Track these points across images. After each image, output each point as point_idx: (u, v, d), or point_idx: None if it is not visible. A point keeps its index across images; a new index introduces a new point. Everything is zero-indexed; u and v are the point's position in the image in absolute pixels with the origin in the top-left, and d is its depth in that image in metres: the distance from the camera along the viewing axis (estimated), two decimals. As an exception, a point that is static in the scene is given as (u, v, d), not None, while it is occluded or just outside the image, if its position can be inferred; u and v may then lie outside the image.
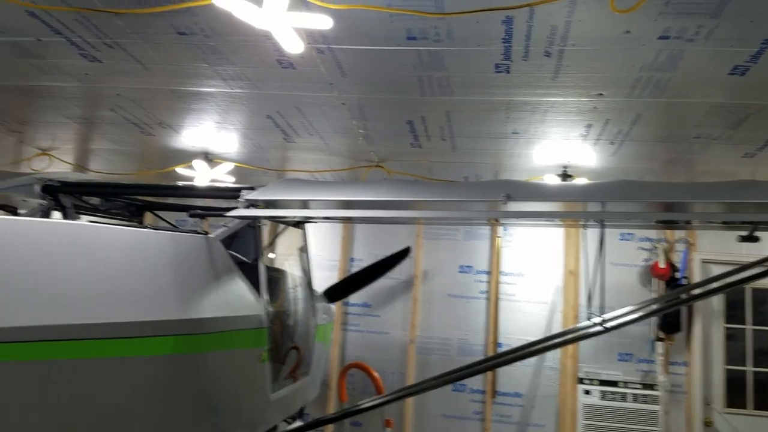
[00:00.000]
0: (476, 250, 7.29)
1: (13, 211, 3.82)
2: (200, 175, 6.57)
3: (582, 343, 6.47)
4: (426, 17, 3.39)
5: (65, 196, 3.80)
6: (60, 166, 7.15)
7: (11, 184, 3.84)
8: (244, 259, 3.80)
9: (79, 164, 7.44)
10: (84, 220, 3.94)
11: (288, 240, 4.64)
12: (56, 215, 3.79)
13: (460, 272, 7.26)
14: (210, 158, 6.57)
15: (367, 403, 3.85)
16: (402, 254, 6.41)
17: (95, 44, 4.05)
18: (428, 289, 7.27)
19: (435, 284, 7.28)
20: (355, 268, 7.24)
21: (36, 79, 4.84)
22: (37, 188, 3.70)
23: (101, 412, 2.41)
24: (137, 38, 3.93)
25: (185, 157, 6.59)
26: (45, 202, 3.69)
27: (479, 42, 3.66)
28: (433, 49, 3.77)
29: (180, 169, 6.76)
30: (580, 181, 5.99)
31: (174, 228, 4.03)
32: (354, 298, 6.91)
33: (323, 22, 3.16)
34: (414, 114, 4.99)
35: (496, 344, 6.97)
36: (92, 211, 4.13)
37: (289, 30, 3.18)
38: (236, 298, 3.30)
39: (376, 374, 6.51)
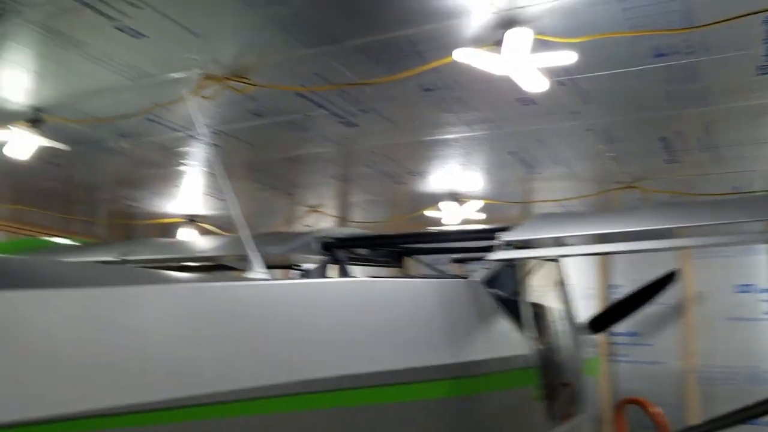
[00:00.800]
0: (755, 265, 6.49)
1: (302, 270, 4.29)
2: (447, 216, 6.83)
3: None
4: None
5: (339, 251, 4.18)
6: (326, 220, 7.92)
7: (294, 245, 4.32)
8: (504, 295, 3.83)
9: (341, 216, 8.19)
10: (356, 270, 4.29)
11: (546, 273, 4.59)
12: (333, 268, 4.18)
13: (739, 292, 6.52)
14: (457, 198, 6.81)
15: (651, 443, 3.61)
16: (669, 278, 5.93)
17: (352, 112, 4.50)
18: (703, 312, 6.62)
19: (710, 307, 6.61)
20: (616, 295, 6.87)
21: (303, 149, 5.50)
22: (316, 246, 4.13)
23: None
24: (388, 101, 4.29)
25: (433, 199, 6.91)
26: (323, 258, 4.10)
27: (736, 47, 3.38)
28: (685, 61, 3.55)
29: (428, 212, 7.09)
30: None
31: (440, 274, 4.22)
32: (618, 326, 6.54)
33: (568, 58, 3.14)
34: (667, 130, 4.71)
35: (795, 371, 6.11)
36: (361, 260, 4.48)
37: (533, 71, 3.20)
38: (503, 337, 3.34)
39: (657, 410, 6.06)
